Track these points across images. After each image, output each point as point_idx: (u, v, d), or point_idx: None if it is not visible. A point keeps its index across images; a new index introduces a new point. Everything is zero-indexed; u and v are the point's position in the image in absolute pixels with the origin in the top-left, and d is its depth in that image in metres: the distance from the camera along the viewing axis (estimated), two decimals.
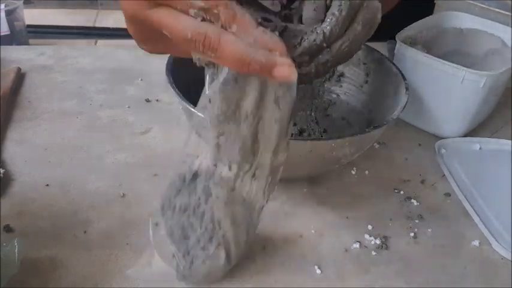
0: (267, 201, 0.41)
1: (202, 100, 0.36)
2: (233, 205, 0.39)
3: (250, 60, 0.30)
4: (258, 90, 0.34)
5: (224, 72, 0.33)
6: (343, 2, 0.35)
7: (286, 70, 0.31)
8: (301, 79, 0.35)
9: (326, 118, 0.65)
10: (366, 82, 0.62)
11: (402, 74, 0.56)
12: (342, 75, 0.65)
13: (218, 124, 0.35)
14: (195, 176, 0.40)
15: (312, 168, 0.53)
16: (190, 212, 0.41)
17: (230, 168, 0.37)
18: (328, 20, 0.35)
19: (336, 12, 0.35)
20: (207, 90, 0.35)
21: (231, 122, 0.35)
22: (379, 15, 0.38)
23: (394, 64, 0.58)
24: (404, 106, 0.51)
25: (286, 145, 0.37)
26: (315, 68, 0.37)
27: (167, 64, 0.54)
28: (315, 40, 0.35)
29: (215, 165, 0.38)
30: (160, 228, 0.42)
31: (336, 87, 0.65)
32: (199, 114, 0.45)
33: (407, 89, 0.54)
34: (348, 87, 0.64)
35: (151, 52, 0.39)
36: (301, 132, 0.63)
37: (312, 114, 0.65)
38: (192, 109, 0.48)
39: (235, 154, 0.36)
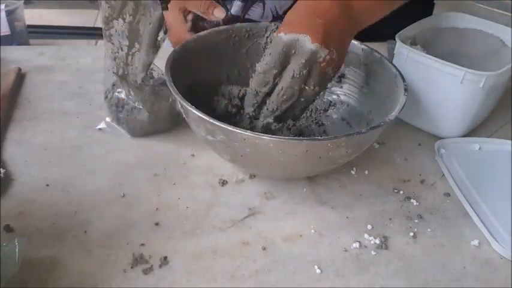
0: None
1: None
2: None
3: None
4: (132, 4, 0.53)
5: None
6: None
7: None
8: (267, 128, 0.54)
9: (326, 119, 0.65)
10: (367, 83, 0.62)
11: (401, 75, 0.56)
12: (342, 76, 0.65)
13: (107, 22, 0.54)
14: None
15: (309, 168, 0.53)
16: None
17: (122, 49, 0.56)
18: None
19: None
20: None
21: (118, 20, 0.54)
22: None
23: (393, 65, 0.58)
24: (402, 107, 0.51)
25: (155, 50, 0.57)
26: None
27: (166, 64, 0.54)
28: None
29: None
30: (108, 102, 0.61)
31: (336, 88, 0.65)
32: (196, 112, 0.48)
33: (406, 90, 0.54)
34: (348, 88, 0.64)
35: None
36: (301, 133, 0.63)
37: (312, 115, 0.65)
38: (191, 108, 0.49)
39: (123, 40, 0.55)
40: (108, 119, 0.63)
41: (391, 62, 0.59)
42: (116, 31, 0.55)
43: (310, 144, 0.47)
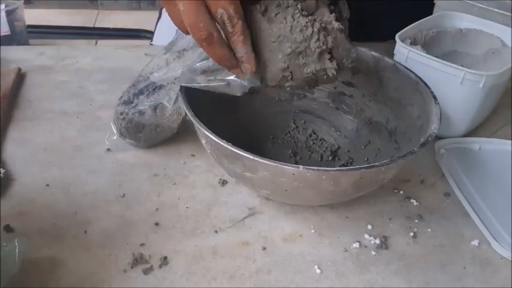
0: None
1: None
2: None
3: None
4: None
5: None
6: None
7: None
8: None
9: (341, 129, 0.63)
10: (381, 91, 0.60)
11: (423, 81, 0.54)
12: (351, 84, 0.62)
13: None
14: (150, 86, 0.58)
15: (356, 193, 0.50)
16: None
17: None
18: None
19: None
20: None
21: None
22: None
23: (411, 71, 0.56)
24: (440, 117, 0.50)
25: None
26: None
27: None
28: None
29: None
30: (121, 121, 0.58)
31: (346, 97, 0.63)
32: (234, 149, 0.44)
33: (435, 98, 0.52)
34: (359, 97, 0.62)
35: None
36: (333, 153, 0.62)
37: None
38: (227, 145, 0.44)
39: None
40: (114, 137, 0.60)
41: (408, 68, 0.57)
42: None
43: (366, 171, 0.44)
